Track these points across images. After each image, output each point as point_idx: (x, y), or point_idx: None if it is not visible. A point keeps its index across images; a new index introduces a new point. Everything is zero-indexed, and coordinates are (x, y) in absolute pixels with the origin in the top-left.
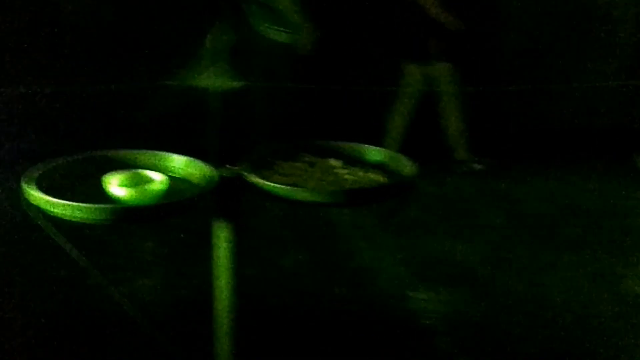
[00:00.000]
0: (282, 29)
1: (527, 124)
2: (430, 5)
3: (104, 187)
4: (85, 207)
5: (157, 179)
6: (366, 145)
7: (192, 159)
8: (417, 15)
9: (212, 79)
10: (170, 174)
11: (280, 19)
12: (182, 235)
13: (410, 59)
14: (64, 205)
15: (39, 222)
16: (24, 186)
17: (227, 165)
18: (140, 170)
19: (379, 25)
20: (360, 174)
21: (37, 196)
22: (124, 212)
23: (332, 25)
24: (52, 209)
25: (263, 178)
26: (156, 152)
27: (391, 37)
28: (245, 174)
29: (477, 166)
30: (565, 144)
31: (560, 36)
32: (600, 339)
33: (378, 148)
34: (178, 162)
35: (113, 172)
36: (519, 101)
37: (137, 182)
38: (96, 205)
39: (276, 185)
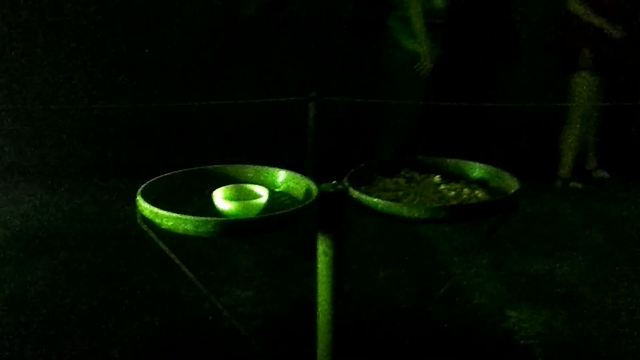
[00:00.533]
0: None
1: None
2: (583, 14)
3: (213, 201)
4: (191, 219)
5: (260, 193)
6: (468, 161)
7: (293, 173)
8: (574, 26)
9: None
10: (272, 188)
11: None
12: (278, 249)
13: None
14: (172, 217)
15: (151, 235)
16: (138, 199)
17: (334, 182)
18: (244, 185)
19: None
20: (466, 190)
21: (147, 208)
22: (227, 224)
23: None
24: (162, 222)
25: (364, 193)
26: (260, 166)
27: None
28: (347, 188)
29: (578, 185)
30: None
31: None
32: None
33: (479, 164)
34: (280, 176)
35: (222, 187)
36: None
37: (242, 196)
38: (202, 218)
39: (377, 200)
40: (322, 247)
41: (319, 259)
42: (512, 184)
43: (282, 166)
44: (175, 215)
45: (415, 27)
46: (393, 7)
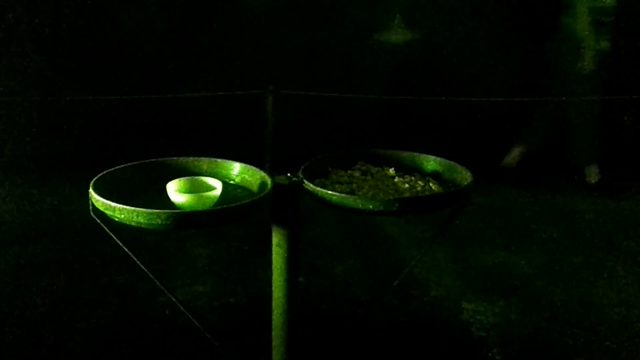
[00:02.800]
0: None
1: None
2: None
3: (167, 194)
4: (144, 212)
5: (214, 185)
6: (423, 154)
7: (248, 165)
8: None
9: None
10: (226, 180)
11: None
12: (235, 242)
13: None
14: (125, 210)
15: (103, 228)
16: (91, 192)
17: (289, 174)
18: (197, 177)
19: None
20: (420, 182)
21: (101, 202)
22: (180, 217)
23: None
24: (114, 214)
25: (318, 186)
26: (213, 159)
27: None
28: (302, 181)
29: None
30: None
31: None
32: None
33: (434, 157)
34: (235, 168)
35: (175, 180)
36: None
37: (195, 189)
38: (154, 210)
39: (331, 192)
40: (277, 240)
41: (274, 252)
42: (465, 177)
43: (240, 159)
44: (127, 207)
45: (581, 24)
46: (565, 6)
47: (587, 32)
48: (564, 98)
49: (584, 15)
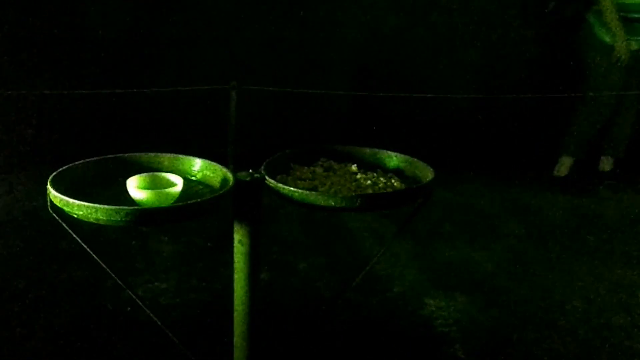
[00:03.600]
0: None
1: None
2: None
3: (127, 190)
4: (102, 208)
5: (175, 182)
6: (385, 151)
7: (209, 161)
8: None
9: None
10: (187, 176)
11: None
12: (198, 239)
13: None
14: (84, 206)
15: (61, 224)
16: (49, 188)
17: (251, 170)
18: (158, 173)
19: None
20: (382, 179)
21: (59, 198)
22: (140, 213)
23: None
24: (73, 211)
25: (280, 182)
26: (174, 155)
27: None
28: (263, 177)
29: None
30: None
31: None
32: (615, 350)
33: (396, 154)
34: (196, 165)
35: (135, 176)
36: None
37: (156, 185)
38: (113, 207)
39: (293, 189)
40: (238, 236)
41: (235, 248)
42: (426, 173)
43: (204, 155)
44: (85, 204)
45: (608, 20)
46: (591, 2)
47: (615, 28)
48: (590, 94)
49: (610, 11)
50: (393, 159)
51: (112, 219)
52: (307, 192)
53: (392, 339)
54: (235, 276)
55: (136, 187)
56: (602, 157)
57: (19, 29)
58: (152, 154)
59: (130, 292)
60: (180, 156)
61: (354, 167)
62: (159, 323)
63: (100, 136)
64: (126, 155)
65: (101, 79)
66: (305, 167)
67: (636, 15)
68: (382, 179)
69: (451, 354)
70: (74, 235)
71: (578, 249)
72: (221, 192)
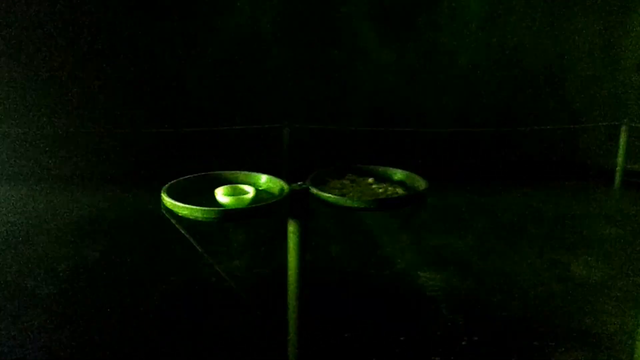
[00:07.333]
0: None
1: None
2: None
3: (215, 196)
4: (200, 209)
5: (248, 190)
6: (392, 168)
7: (271, 176)
8: None
9: None
10: (257, 187)
11: None
12: (263, 231)
13: None
14: (187, 208)
15: (172, 220)
16: (162, 195)
17: (300, 182)
18: (237, 185)
19: None
20: (390, 188)
21: (169, 201)
22: (225, 213)
23: None
24: (178, 211)
25: (320, 190)
26: (248, 172)
27: None
28: (308, 187)
29: None
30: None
31: None
32: (553, 308)
33: (400, 170)
34: (262, 178)
35: (221, 187)
36: None
37: (235, 193)
38: (207, 208)
39: (328, 195)
40: (291, 229)
41: (289, 238)
42: (422, 184)
43: (266, 172)
44: (188, 206)
45: None
46: None
47: None
48: None
49: None
50: (397, 173)
51: (206, 216)
52: (339, 197)
53: (396, 301)
54: (289, 257)
55: (222, 194)
56: None
57: (134, 77)
58: (232, 172)
59: (217, 267)
60: (252, 173)
61: (370, 180)
62: (235, 287)
63: (193, 160)
64: (213, 172)
65: (191, 119)
66: (337, 180)
67: None
68: (390, 188)
69: (439, 310)
70: (179, 228)
71: (527, 237)
72: (280, 198)
